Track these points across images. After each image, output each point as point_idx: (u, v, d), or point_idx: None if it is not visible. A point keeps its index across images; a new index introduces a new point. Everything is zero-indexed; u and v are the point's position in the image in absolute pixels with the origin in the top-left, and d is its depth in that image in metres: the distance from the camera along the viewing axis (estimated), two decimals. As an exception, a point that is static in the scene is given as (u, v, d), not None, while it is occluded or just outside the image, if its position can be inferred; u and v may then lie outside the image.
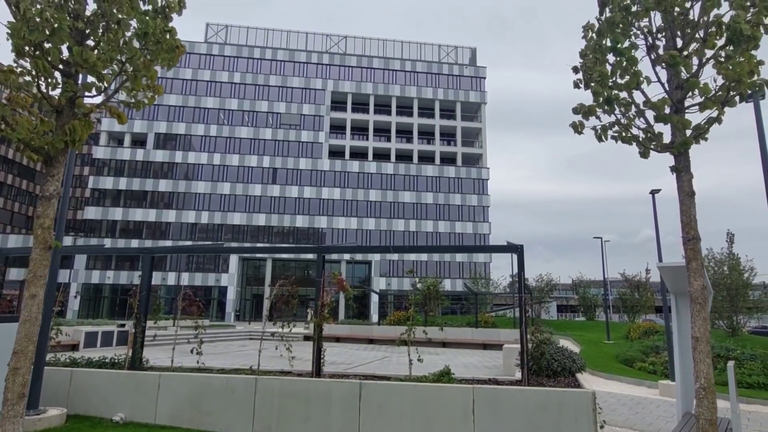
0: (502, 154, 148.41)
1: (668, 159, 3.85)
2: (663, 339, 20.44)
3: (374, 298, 52.58)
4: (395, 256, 57.03)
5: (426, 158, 63.54)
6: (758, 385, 13.59)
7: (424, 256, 57.21)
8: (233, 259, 55.13)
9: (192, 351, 9.16)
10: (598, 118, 3.85)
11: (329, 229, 58.32)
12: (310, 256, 53.29)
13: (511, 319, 34.09)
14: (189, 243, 54.94)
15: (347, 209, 59.18)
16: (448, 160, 64.13)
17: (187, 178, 58.01)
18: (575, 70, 3.85)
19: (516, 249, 8.18)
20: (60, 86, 3.82)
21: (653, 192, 16.13)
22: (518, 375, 8.46)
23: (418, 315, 30.16)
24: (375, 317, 48.44)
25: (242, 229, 57.44)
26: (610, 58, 3.82)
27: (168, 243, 55.25)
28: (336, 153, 61.48)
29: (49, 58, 3.57)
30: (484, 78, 66.08)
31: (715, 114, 3.59)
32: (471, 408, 6.77)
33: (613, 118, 3.78)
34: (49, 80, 3.69)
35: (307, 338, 25.09)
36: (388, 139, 63.18)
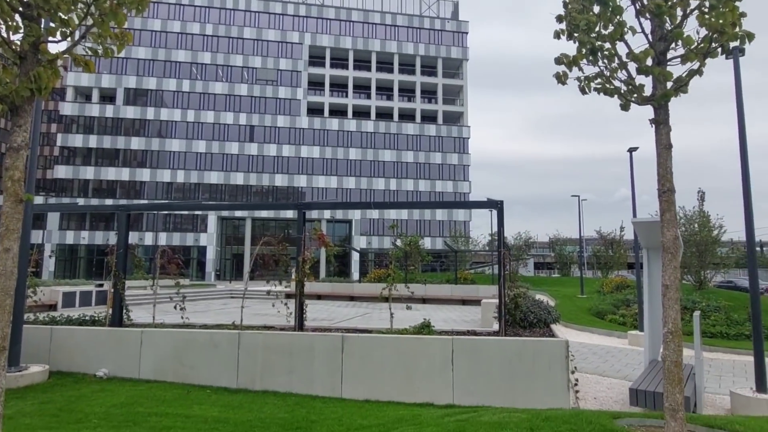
0: (483, 112, 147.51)
1: (646, 118, 3.88)
2: (633, 293, 21.38)
3: (355, 257, 53.14)
4: (375, 215, 57.29)
5: (406, 116, 62.79)
6: (720, 335, 14.47)
7: (404, 215, 57.58)
8: (212, 219, 54.55)
9: (175, 307, 9.18)
10: (581, 69, 3.82)
11: (309, 188, 57.94)
12: (289, 215, 53.09)
13: (490, 276, 34.99)
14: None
15: (327, 168, 58.64)
16: (429, 118, 63.54)
17: (161, 136, 56.23)
18: (559, 18, 3.78)
19: (495, 205, 8.29)
20: (22, 31, 3.58)
21: (631, 150, 16.38)
22: (496, 327, 8.78)
23: (399, 272, 30.65)
24: (356, 275, 49.13)
25: (220, 188, 56.58)
26: (595, 8, 3.75)
27: (143, 203, 54.22)
28: (315, 110, 60.18)
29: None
30: (467, 33, 64.65)
31: (696, 66, 3.61)
32: (450, 358, 7.04)
33: (596, 70, 3.76)
34: (10, 23, 3.45)
35: (289, 296, 25.32)
36: (368, 96, 61.98)
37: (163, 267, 11.12)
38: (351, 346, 7.37)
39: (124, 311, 9.41)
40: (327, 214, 54.30)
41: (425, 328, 8.03)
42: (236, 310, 11.10)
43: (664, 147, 3.81)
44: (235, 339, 7.77)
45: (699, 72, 3.60)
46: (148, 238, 52.75)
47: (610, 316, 18.76)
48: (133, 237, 50.71)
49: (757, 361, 7.33)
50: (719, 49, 3.53)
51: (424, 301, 26.48)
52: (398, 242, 31.76)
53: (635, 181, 16.23)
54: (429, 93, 64.42)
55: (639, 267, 13.62)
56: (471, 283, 31.59)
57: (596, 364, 10.60)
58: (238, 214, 55.20)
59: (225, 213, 55.46)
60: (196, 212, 54.90)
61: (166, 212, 54.91)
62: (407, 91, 63.27)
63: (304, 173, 58.02)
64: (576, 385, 6.80)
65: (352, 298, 27.94)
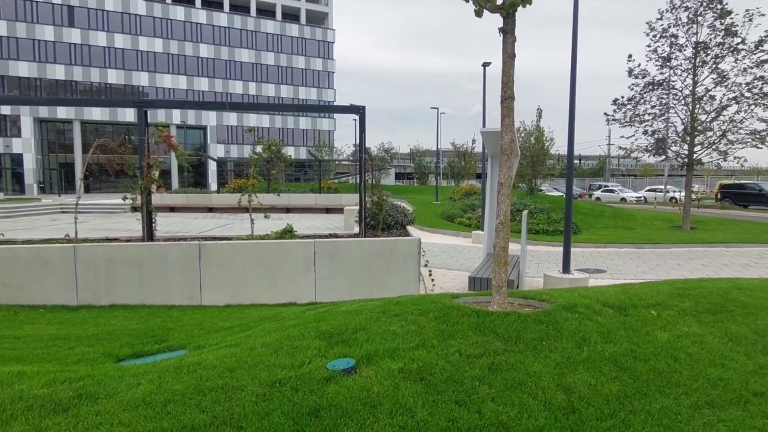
0: (354, 18, 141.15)
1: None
2: (479, 198, 24.10)
3: (212, 166, 49.72)
4: (233, 121, 53.41)
5: (266, 11, 57.16)
6: (542, 231, 17.22)
7: (266, 122, 54.76)
8: (26, 121, 45.30)
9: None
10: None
11: (152, 88, 50.87)
12: (130, 117, 46.61)
13: (353, 186, 35.92)
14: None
15: (173, 65, 51.69)
16: (291, 16, 58.80)
17: (-65, 8, 43.12)
18: None
19: (358, 110, 8.27)
20: None
21: (485, 64, 17.40)
22: (356, 230, 9.19)
23: (261, 181, 29.67)
24: (214, 186, 46.38)
25: (32, 83, 46.56)
26: None
27: None
28: (154, -6, 51.28)
29: None
30: None
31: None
32: (313, 260, 7.25)
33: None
34: None
35: (135, 209, 23.04)
36: (220, -16, 54.59)
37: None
38: (209, 254, 7.11)
39: None
40: (176, 117, 48.81)
41: (287, 233, 8.06)
42: (69, 226, 9.78)
43: (508, 56, 4.08)
44: (69, 253, 6.91)
45: (545, -18, 3.83)
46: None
47: (459, 219, 20.97)
48: None
49: (565, 250, 8.97)
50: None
51: (287, 210, 26.40)
52: (258, 148, 30.32)
53: (487, 96, 17.52)
54: (290, -13, 59.09)
55: (484, 175, 15.17)
56: (335, 192, 32.23)
57: (444, 259, 11.97)
58: (62, 114, 46.57)
59: (44, 113, 46.28)
60: (2, 112, 44.90)
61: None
62: (266, -17, 57.15)
63: (145, 70, 50.43)
64: (431, 274, 7.63)
65: (210, 210, 26.57)
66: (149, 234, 7.74)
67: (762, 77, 14.91)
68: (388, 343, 3.10)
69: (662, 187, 43.10)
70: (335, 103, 59.67)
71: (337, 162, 43.25)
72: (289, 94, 56.93)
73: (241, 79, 54.59)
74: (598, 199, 41.89)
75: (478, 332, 3.33)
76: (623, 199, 40.11)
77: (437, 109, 34.83)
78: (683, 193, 39.48)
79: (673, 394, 2.78)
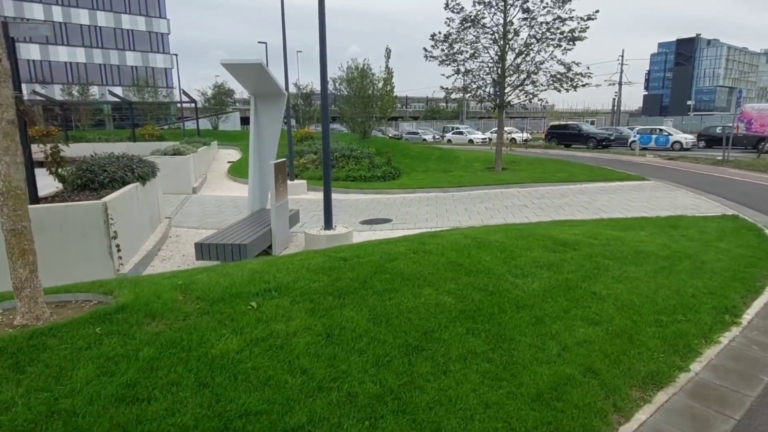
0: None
1: None
2: (311, 144, 22.48)
3: None
4: (36, 55, 43.67)
5: None
6: (360, 178, 16.28)
7: (81, 57, 45.76)
8: None
9: None
10: None
11: None
12: None
13: (193, 131, 31.52)
14: None
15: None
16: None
17: None
18: None
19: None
20: None
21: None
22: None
23: (58, 129, 24.50)
24: None
25: None
26: None
27: None
28: None
29: None
30: None
31: None
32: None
33: None
34: None
35: None
36: None
37: None
38: None
39: None
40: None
41: None
42: None
43: None
44: None
45: None
46: None
47: (283, 167, 19.20)
48: None
49: (326, 203, 7.86)
50: None
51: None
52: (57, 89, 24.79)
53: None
54: None
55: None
56: (158, 140, 28.07)
57: (209, 217, 10.40)
58: None
59: None
60: None
61: None
62: None
63: None
64: (119, 249, 5.91)
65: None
66: None
67: (560, 17, 15.15)
68: None
69: (508, 128, 46.30)
70: (172, 36, 52.11)
71: (163, 105, 37.56)
72: (110, 22, 47.90)
73: (41, 1, 44.26)
74: (449, 141, 43.63)
75: None
76: (471, 141, 42.11)
77: (265, 44, 31.19)
78: (521, 134, 42.32)
79: None
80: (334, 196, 14.29)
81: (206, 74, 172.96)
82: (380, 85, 23.96)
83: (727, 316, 3.84)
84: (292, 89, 42.15)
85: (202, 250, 6.56)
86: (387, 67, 24.77)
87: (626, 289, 4.03)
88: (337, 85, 24.51)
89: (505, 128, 44.87)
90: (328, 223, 7.82)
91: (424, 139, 43.89)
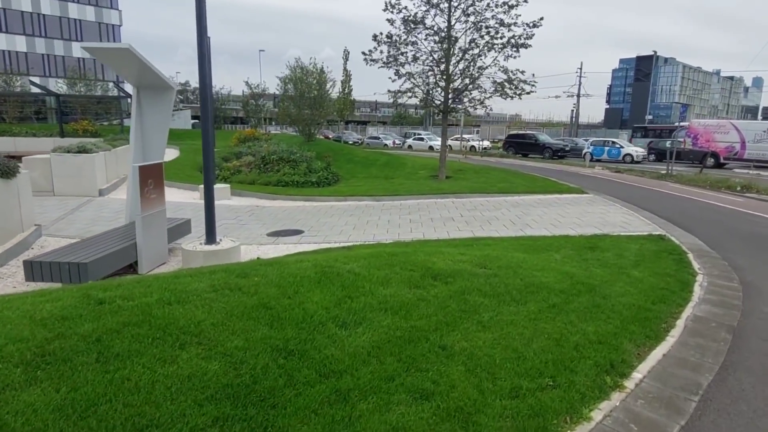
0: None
1: None
2: (252, 146, 21.21)
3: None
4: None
5: None
6: (293, 183, 15.23)
7: (21, 46, 42.83)
8: None
9: None
10: None
11: None
12: None
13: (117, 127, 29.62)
14: None
15: None
16: None
17: None
18: None
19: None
20: None
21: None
22: None
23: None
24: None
25: None
26: None
27: None
28: None
29: None
30: None
31: None
32: None
33: None
34: None
35: None
36: None
37: None
38: None
39: None
40: None
41: None
42: None
43: None
44: None
45: None
46: None
47: (217, 171, 17.94)
48: None
49: (207, 214, 6.81)
50: None
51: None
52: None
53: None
54: None
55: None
56: (92, 136, 26.12)
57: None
58: None
59: None
60: None
61: None
62: None
63: None
64: None
65: None
66: None
67: (502, 20, 14.58)
68: None
69: (468, 136, 46.02)
70: (123, 27, 49.60)
71: (93, 98, 35.19)
72: (54, 10, 45.03)
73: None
74: (410, 147, 43.07)
75: None
76: (431, 147, 41.63)
77: (209, 38, 29.79)
78: (480, 142, 42.00)
79: None
80: (258, 202, 13.36)
81: (174, 71, 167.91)
82: (330, 86, 23.03)
83: (609, 377, 3.03)
84: (244, 88, 40.60)
85: (33, 269, 5.39)
86: (345, 69, 23.96)
87: (490, 340, 3.17)
88: (284, 85, 23.42)
89: (465, 136, 44.73)
90: (210, 237, 6.76)
91: (385, 144, 43.22)
